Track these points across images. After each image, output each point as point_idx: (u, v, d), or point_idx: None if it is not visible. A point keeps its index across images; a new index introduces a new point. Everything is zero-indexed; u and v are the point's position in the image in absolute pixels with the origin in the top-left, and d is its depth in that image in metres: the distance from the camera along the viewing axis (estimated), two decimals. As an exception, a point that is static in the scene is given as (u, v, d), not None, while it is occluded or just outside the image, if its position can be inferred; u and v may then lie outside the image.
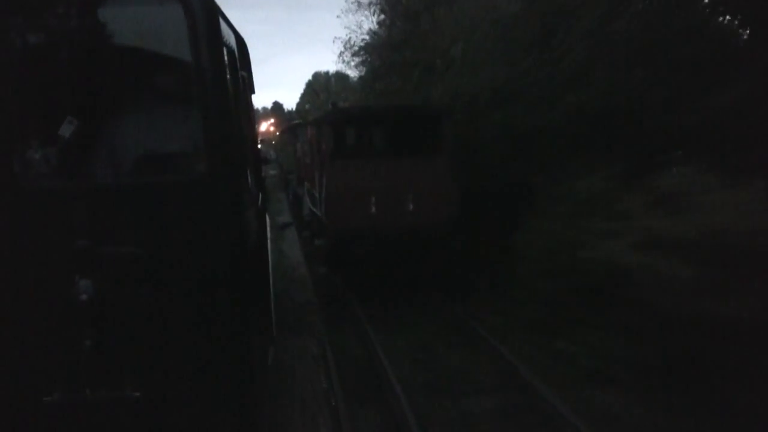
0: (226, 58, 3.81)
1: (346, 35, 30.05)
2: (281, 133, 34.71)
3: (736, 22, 9.10)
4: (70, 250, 3.38)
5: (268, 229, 6.14)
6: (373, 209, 11.08)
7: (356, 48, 27.62)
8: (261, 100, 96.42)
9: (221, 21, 3.81)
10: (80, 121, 3.55)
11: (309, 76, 77.05)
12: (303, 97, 76.01)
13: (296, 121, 30.66)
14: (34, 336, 3.48)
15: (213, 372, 3.64)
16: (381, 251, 11.12)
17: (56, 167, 3.58)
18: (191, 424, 3.68)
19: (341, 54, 30.28)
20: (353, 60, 28.70)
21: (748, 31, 8.91)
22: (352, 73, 33.34)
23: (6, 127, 3.49)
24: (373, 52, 25.70)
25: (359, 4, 25.36)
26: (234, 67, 4.27)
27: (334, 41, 32.06)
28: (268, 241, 6.00)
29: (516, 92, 12.70)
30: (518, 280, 10.69)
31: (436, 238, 11.13)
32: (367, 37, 26.65)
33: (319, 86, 69.25)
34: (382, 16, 24.92)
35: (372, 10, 25.40)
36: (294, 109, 74.68)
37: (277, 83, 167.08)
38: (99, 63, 3.67)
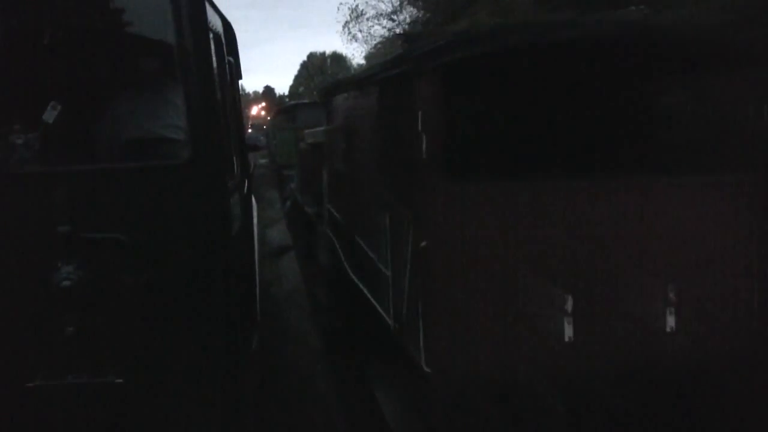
0: (212, 42, 3.80)
1: (353, 1, 26.25)
2: (274, 116, 33.16)
3: None
4: (52, 236, 3.38)
5: (254, 212, 6.14)
6: (568, 329, 4.11)
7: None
8: (251, 84, 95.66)
9: (207, 5, 3.79)
10: (64, 106, 3.54)
11: (303, 59, 76.09)
12: (297, 79, 75.27)
13: (294, 102, 26.99)
14: (15, 321, 3.48)
15: (197, 357, 3.66)
16: None
17: (39, 152, 3.57)
18: (175, 409, 3.70)
19: (346, 24, 26.28)
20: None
21: None
22: (360, 47, 29.55)
23: None
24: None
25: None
26: (220, 51, 4.26)
27: (338, 8, 28.02)
28: (254, 226, 6.00)
29: None
30: None
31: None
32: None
33: (314, 69, 68.56)
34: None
35: None
36: (287, 93, 74.09)
37: (269, 68, 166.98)
38: (82, 48, 3.65)
